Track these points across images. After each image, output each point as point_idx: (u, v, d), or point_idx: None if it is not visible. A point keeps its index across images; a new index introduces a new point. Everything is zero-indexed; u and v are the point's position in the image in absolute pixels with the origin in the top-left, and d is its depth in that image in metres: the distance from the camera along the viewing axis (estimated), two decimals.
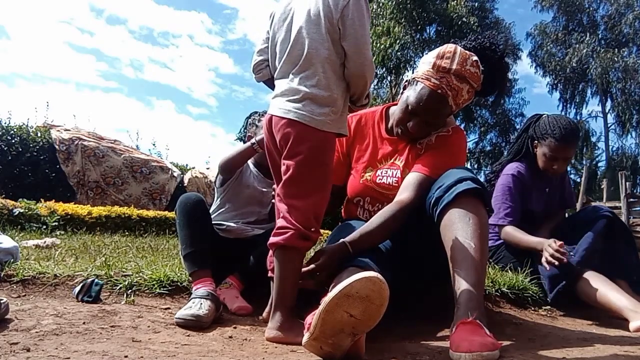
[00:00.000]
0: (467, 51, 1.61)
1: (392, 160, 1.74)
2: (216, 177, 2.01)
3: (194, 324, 1.40)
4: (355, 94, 1.43)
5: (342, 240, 1.47)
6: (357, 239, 1.47)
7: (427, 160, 1.64)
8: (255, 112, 2.09)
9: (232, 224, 1.93)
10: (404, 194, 1.58)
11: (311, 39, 1.36)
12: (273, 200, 1.60)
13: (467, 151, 1.88)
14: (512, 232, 2.26)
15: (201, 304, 1.46)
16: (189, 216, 1.69)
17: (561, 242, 1.99)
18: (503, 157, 2.60)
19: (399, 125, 1.69)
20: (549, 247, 2.00)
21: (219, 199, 2.01)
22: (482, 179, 1.70)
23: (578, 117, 24.08)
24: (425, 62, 1.63)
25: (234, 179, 1.97)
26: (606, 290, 1.89)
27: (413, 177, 1.60)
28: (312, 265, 1.42)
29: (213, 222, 1.88)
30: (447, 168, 1.56)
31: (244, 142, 2.09)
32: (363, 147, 1.80)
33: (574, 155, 2.39)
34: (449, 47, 1.60)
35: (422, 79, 1.60)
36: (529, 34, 23.99)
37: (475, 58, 1.59)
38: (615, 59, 21.04)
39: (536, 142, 2.37)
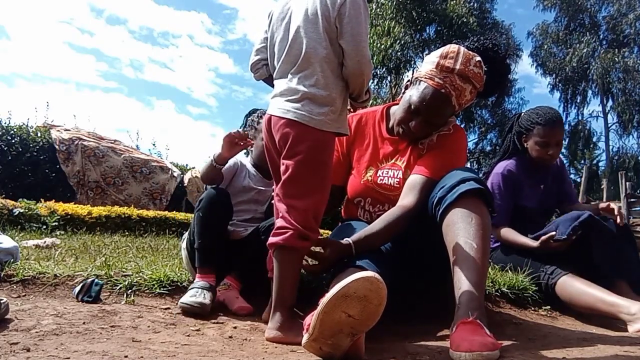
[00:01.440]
0: (470, 52, 1.61)
1: (393, 161, 1.73)
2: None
3: (199, 311, 1.51)
4: (355, 92, 1.43)
5: (347, 239, 1.47)
6: (362, 240, 1.47)
7: (429, 161, 1.63)
8: (255, 111, 2.07)
9: (228, 227, 1.92)
10: (407, 198, 1.57)
11: (309, 38, 1.36)
12: (272, 201, 1.59)
13: (467, 151, 1.88)
14: (509, 234, 2.30)
15: (204, 294, 1.56)
16: (216, 213, 1.72)
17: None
18: (494, 160, 2.61)
19: (400, 125, 1.68)
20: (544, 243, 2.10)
21: None
22: None
23: (579, 117, 24.13)
24: (429, 62, 1.62)
25: (224, 184, 1.95)
26: (602, 293, 1.88)
27: (416, 180, 1.59)
28: (313, 251, 1.43)
29: None
30: (449, 168, 1.56)
31: None
32: (363, 146, 1.80)
33: (563, 139, 2.42)
34: (452, 47, 1.60)
35: (425, 78, 1.60)
36: (530, 33, 24.04)
37: (478, 58, 1.59)
38: (616, 59, 21.03)
39: (524, 136, 2.40)
